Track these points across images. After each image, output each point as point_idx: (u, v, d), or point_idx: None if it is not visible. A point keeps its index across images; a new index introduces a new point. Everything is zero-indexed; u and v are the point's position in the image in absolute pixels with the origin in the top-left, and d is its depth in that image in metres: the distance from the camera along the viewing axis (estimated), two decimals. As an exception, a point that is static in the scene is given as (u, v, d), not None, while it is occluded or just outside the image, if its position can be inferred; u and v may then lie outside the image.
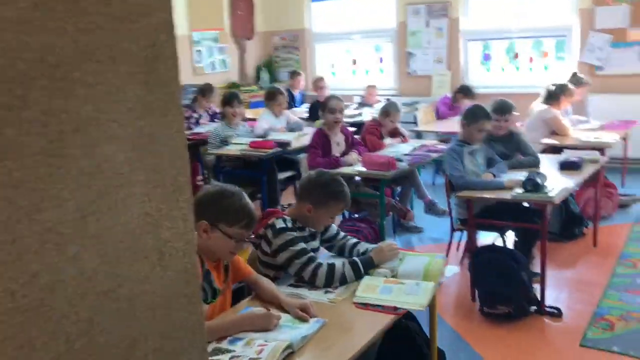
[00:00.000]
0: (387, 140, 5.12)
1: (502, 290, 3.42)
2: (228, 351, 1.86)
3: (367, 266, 2.42)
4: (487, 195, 3.68)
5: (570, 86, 5.55)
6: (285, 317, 2.07)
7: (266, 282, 2.29)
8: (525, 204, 3.81)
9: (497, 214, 3.77)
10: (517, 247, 3.91)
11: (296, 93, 7.96)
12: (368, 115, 6.59)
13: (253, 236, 2.44)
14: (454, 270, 2.46)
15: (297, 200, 2.63)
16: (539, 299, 3.53)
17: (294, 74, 8.04)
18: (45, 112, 0.94)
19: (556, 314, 3.48)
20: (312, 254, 2.44)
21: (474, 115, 3.98)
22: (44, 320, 0.96)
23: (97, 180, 1.01)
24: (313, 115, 6.68)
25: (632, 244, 4.52)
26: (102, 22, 0.98)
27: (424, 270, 2.33)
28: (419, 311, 2.22)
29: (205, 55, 8.28)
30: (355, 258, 2.45)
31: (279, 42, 9.14)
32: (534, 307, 3.52)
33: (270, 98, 5.93)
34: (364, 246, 2.67)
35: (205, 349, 1.28)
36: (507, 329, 3.39)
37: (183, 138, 1.19)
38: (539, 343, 3.24)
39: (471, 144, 3.99)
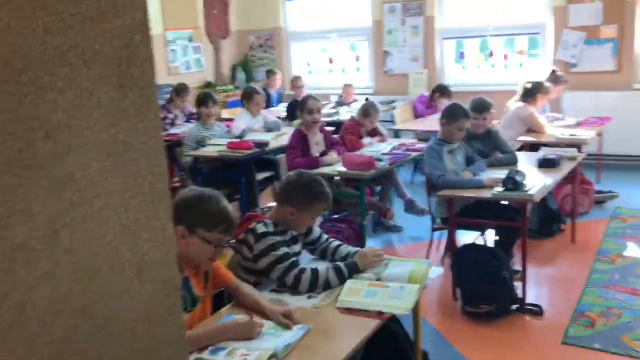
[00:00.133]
0: (366, 140, 5.09)
1: (484, 289, 3.41)
2: (210, 361, 1.81)
3: (351, 271, 2.38)
4: (468, 194, 3.67)
5: (547, 84, 5.59)
6: (268, 325, 2.01)
7: (247, 288, 2.23)
8: (505, 202, 3.81)
9: (478, 213, 3.76)
10: (498, 245, 3.91)
11: (273, 92, 7.89)
12: (345, 114, 6.57)
13: (233, 241, 2.38)
14: (438, 272, 2.42)
15: (278, 204, 2.58)
16: (520, 297, 3.53)
17: (270, 73, 7.98)
18: (12, 120, 0.88)
19: (537, 311, 3.49)
20: (294, 258, 2.39)
21: (453, 114, 3.97)
22: (15, 342, 0.90)
23: (70, 191, 0.95)
24: (291, 115, 6.63)
25: (609, 240, 4.56)
26: (72, 22, 0.92)
27: (408, 274, 2.30)
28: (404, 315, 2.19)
29: (180, 55, 8.17)
30: (340, 263, 2.41)
31: (255, 41, 9.06)
32: (515, 306, 3.52)
33: (247, 98, 5.86)
34: (346, 249, 2.63)
35: (187, 363, 1.23)
36: (489, 328, 3.38)
37: (160, 144, 1.13)
38: (521, 342, 3.24)
39: (451, 143, 3.98)
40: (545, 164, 4.10)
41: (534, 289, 3.86)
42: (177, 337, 1.22)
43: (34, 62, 0.89)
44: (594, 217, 5.13)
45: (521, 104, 5.42)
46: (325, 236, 2.72)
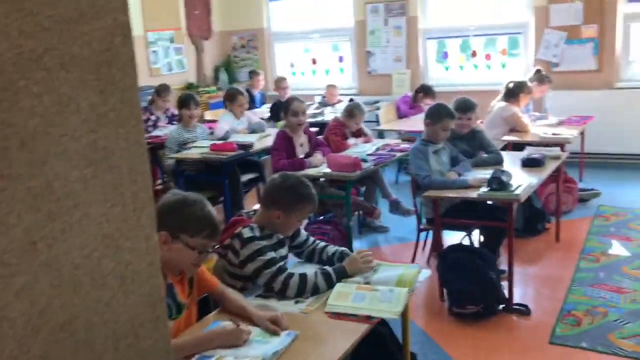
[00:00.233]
0: (351, 141, 5.07)
1: (471, 289, 3.40)
2: (196, 370, 1.77)
3: (339, 276, 2.35)
4: (453, 194, 3.66)
5: (530, 83, 5.61)
6: (255, 331, 1.97)
7: (234, 294, 2.19)
8: (491, 202, 3.81)
9: (464, 213, 3.76)
10: (484, 245, 3.91)
11: (256, 93, 7.84)
12: (329, 115, 6.54)
13: (218, 246, 2.34)
14: (426, 274, 2.40)
15: (264, 207, 2.54)
16: (507, 297, 3.53)
17: (253, 74, 7.93)
18: (-15, 128, 0.83)
19: (524, 311, 3.49)
20: (281, 263, 2.35)
21: (437, 115, 3.96)
22: (-10, 363, 0.86)
23: (48, 202, 0.91)
24: (275, 116, 6.59)
25: (593, 238, 4.59)
26: (49, 25, 0.87)
27: (397, 278, 2.27)
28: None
29: (162, 56, 8.08)
30: (328, 268, 2.37)
31: (237, 41, 9.00)
32: (502, 306, 3.52)
33: (230, 99, 5.81)
34: (332, 248, 2.61)
35: (173, 377, 1.19)
36: (476, 328, 3.37)
37: (143, 150, 1.09)
38: (508, 342, 3.23)
39: (436, 143, 3.97)
40: (530, 164, 4.11)
41: (520, 288, 3.86)
42: (163, 350, 1.18)
43: (8, 66, 0.84)
44: (578, 215, 5.16)
45: (504, 103, 5.44)
46: (312, 238, 2.69)
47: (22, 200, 0.88)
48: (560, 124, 5.67)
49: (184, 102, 5.23)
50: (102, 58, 0.96)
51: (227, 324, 1.98)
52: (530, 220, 4.76)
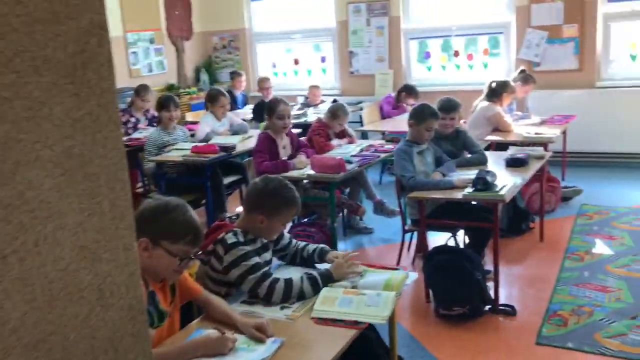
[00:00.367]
0: (335, 142, 5.04)
1: (457, 291, 3.39)
2: (179, 380, 1.72)
3: (326, 281, 2.31)
4: (438, 195, 3.65)
5: (513, 83, 5.63)
6: (240, 339, 1.93)
7: (218, 301, 2.14)
8: (475, 203, 3.80)
9: (449, 214, 3.74)
10: (470, 246, 3.91)
11: (238, 94, 7.77)
12: (312, 116, 6.51)
13: (201, 252, 2.28)
14: (413, 277, 2.38)
15: (246, 212, 2.49)
16: (493, 298, 3.52)
17: (234, 75, 7.85)
18: (-51, 135, 0.79)
19: (510, 312, 3.48)
20: (266, 268, 2.31)
21: (421, 115, 3.95)
22: (-41, 387, 0.81)
23: (20, 213, 0.86)
24: (258, 116, 6.54)
25: (577, 237, 4.61)
26: (18, 25, 0.82)
27: (384, 282, 2.24)
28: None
29: (142, 57, 7.98)
30: (314, 273, 2.33)
31: (218, 42, 8.93)
32: (488, 307, 3.51)
33: (212, 100, 5.74)
34: (312, 247, 2.61)
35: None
36: (463, 330, 3.36)
37: (122, 156, 1.04)
38: (495, 343, 3.22)
39: (420, 144, 3.95)
40: (514, 164, 4.11)
41: (506, 288, 3.86)
42: (144, 364, 1.13)
43: (-26, 70, 0.79)
44: (561, 214, 5.19)
45: (487, 103, 5.45)
46: (294, 241, 2.66)
47: (-8, 212, 0.83)
48: (542, 123, 5.69)
49: (164, 103, 5.14)
50: (77, 60, 0.91)
51: (211, 332, 1.93)
52: (514, 220, 4.77)
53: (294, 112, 6.67)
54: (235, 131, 5.72)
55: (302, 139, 5.05)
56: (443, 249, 3.75)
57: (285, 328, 2.03)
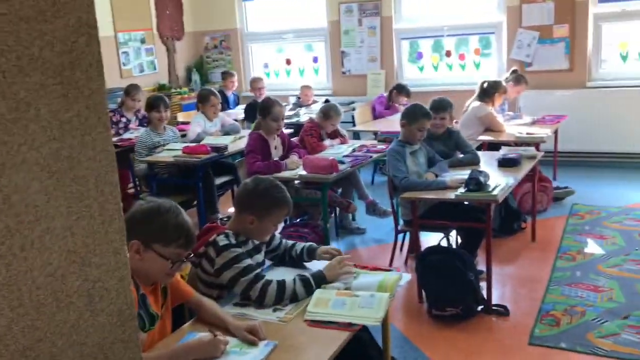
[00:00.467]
0: (327, 142, 5.02)
1: (450, 292, 3.38)
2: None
3: (319, 282, 2.29)
4: (431, 195, 3.64)
5: (504, 83, 5.64)
6: (232, 342, 1.91)
7: (210, 303, 2.11)
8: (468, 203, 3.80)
9: (442, 214, 3.74)
10: (462, 246, 3.90)
11: (229, 94, 7.73)
12: (304, 116, 6.49)
13: (192, 255, 2.26)
14: (407, 279, 2.36)
15: (237, 213, 2.47)
16: (486, 298, 3.52)
17: (226, 75, 7.81)
18: None
19: (503, 312, 3.48)
20: (258, 270, 2.29)
21: (413, 115, 3.94)
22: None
23: (6, 217, 0.84)
24: (250, 116, 6.51)
25: (569, 237, 4.62)
26: (3, 23, 0.80)
27: (378, 283, 2.23)
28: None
29: (133, 57, 7.93)
30: (307, 274, 2.32)
31: (210, 42, 8.89)
32: (480, 307, 3.51)
33: (203, 100, 5.71)
34: (299, 245, 2.60)
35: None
36: (456, 330, 3.35)
37: (111, 158, 1.02)
38: (488, 344, 3.22)
39: (412, 144, 3.95)
40: (506, 164, 4.11)
41: (498, 289, 3.86)
42: (134, 370, 1.11)
43: (-43, 70, 0.77)
44: (553, 214, 5.20)
45: (478, 103, 5.45)
46: (284, 241, 2.65)
47: (-24, 217, 0.81)
48: (533, 123, 5.71)
49: (153, 104, 5.09)
50: (64, 60, 0.89)
51: (203, 334, 1.91)
52: (506, 219, 4.77)
53: (286, 112, 6.65)
54: (226, 131, 5.69)
55: (294, 139, 5.03)
56: (436, 249, 3.74)
57: (278, 331, 2.01)
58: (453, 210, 3.76)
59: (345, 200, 4.91)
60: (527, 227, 4.77)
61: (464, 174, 3.65)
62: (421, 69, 7.78)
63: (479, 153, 4.40)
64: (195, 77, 8.66)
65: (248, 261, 2.27)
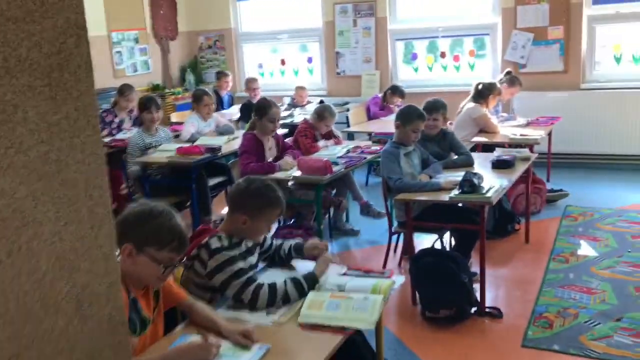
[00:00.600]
0: (321, 143, 5.01)
1: (444, 294, 3.38)
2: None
3: (310, 283, 2.29)
4: (425, 197, 3.63)
5: (499, 85, 5.64)
6: (225, 345, 1.89)
7: (202, 307, 2.10)
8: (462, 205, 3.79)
9: (436, 216, 3.73)
10: (456, 248, 3.90)
11: (224, 94, 7.71)
12: (299, 117, 6.48)
13: (185, 258, 2.24)
14: (400, 281, 2.36)
15: (230, 213, 2.46)
16: (479, 300, 3.51)
17: (220, 75, 7.78)
18: None
19: (496, 314, 3.48)
20: (251, 273, 2.27)
21: (407, 116, 3.93)
22: None
23: (-8, 222, 0.82)
24: (245, 117, 6.50)
25: (562, 239, 4.62)
26: (-11, 25, 0.78)
27: (372, 286, 2.22)
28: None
29: (126, 57, 7.89)
30: (298, 276, 2.31)
31: (204, 42, 8.86)
32: (474, 309, 3.50)
33: (196, 100, 5.69)
34: (287, 244, 2.61)
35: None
36: (449, 333, 3.34)
37: (101, 161, 1.00)
38: (482, 346, 3.21)
39: (406, 146, 3.94)
40: (500, 165, 4.11)
41: (492, 290, 3.85)
42: (124, 376, 1.09)
43: (-58, 72, 0.75)
44: (546, 216, 5.20)
45: (473, 104, 5.45)
46: (273, 241, 2.64)
47: (-39, 222, 0.79)
48: (527, 124, 5.71)
49: (145, 105, 5.05)
50: (53, 61, 0.87)
51: (195, 338, 1.89)
52: (499, 221, 4.77)
53: (281, 113, 6.63)
54: (220, 132, 5.67)
55: (289, 140, 5.02)
56: (430, 251, 3.74)
57: (271, 334, 2.00)
58: (447, 212, 3.75)
59: (336, 198, 4.89)
60: (521, 229, 4.77)
61: (458, 175, 3.65)
62: (416, 70, 7.78)
63: (473, 154, 4.39)
64: (190, 77, 8.63)
65: (240, 264, 2.25)
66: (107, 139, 5.63)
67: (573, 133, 6.63)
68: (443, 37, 7.48)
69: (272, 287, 2.20)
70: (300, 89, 7.45)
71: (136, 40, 8.03)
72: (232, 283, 2.19)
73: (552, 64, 6.86)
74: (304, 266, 2.50)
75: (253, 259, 2.47)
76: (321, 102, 6.22)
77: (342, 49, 7.94)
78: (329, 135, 5.15)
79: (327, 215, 5.03)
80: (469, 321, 3.43)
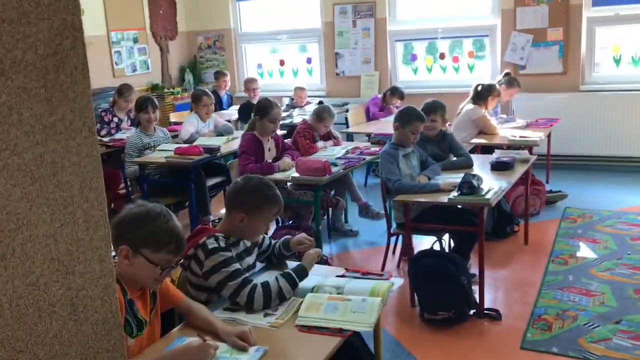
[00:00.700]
0: (320, 144, 5.00)
1: (443, 296, 3.37)
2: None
3: (300, 275, 2.31)
4: (424, 198, 3.63)
5: (498, 86, 5.64)
6: (222, 347, 1.88)
7: (199, 308, 2.09)
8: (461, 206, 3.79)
9: (435, 217, 3.72)
10: (455, 250, 3.89)
11: (222, 94, 7.70)
12: (298, 117, 6.47)
13: (181, 261, 2.23)
14: (399, 284, 2.35)
15: (227, 212, 2.45)
16: (478, 302, 3.51)
17: (218, 74, 7.77)
18: None
19: (495, 316, 3.47)
20: (246, 274, 2.26)
21: (406, 118, 3.93)
22: None
23: (-14, 225, 0.81)
24: (244, 117, 6.49)
25: (562, 241, 4.61)
26: (-16, 26, 0.78)
27: (370, 289, 2.21)
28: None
29: (125, 56, 7.88)
30: (288, 270, 2.33)
31: (203, 42, 8.86)
32: (472, 311, 3.50)
33: (195, 100, 5.68)
34: (277, 242, 2.62)
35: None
36: (448, 334, 3.34)
37: (96, 163, 1.00)
38: (480, 348, 3.20)
39: (405, 147, 3.93)
40: (499, 167, 4.10)
41: (491, 292, 3.85)
42: (120, 380, 1.08)
43: None
44: (545, 217, 5.20)
45: (472, 106, 5.45)
46: (272, 241, 2.64)
47: (-46, 225, 0.78)
48: (527, 126, 5.71)
49: (142, 105, 5.04)
50: (48, 63, 0.87)
51: (193, 339, 1.89)
52: (498, 223, 4.76)
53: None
54: (219, 132, 5.67)
55: (287, 140, 5.01)
56: (428, 252, 3.73)
57: (269, 336, 1.99)
58: (446, 213, 3.75)
59: (333, 198, 4.88)
60: (520, 231, 4.76)
61: (457, 177, 3.64)
62: (415, 71, 7.77)
63: (473, 156, 4.39)
64: (189, 77, 8.62)
65: (236, 265, 2.25)
66: (105, 139, 5.63)
67: (572, 135, 6.64)
68: (442, 38, 7.47)
69: (265, 286, 2.20)
70: (299, 89, 7.44)
71: (135, 40, 8.02)
72: (228, 284, 2.19)
73: (552, 66, 6.86)
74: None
75: (250, 259, 2.47)
76: (320, 102, 6.20)
77: (341, 49, 7.94)
78: (328, 136, 5.15)
79: (325, 216, 5.03)
80: (467, 323, 3.43)
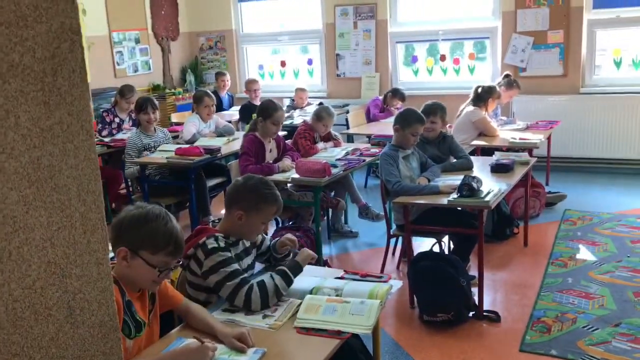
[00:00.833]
0: (320, 145, 5.00)
1: (442, 297, 3.37)
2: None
3: (294, 270, 2.33)
4: (423, 200, 3.63)
5: (498, 88, 5.64)
6: (221, 349, 1.88)
7: (198, 310, 2.09)
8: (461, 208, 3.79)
9: (434, 219, 3.72)
10: (455, 252, 3.89)
11: (223, 95, 7.70)
12: (299, 118, 6.47)
13: (180, 263, 2.23)
14: (397, 286, 2.35)
15: (227, 210, 2.46)
16: (477, 304, 3.51)
17: (218, 75, 7.76)
18: None
19: (494, 318, 3.47)
20: (245, 275, 2.27)
21: (406, 120, 3.93)
22: None
23: (-18, 228, 0.81)
24: (245, 118, 6.49)
25: (561, 243, 4.61)
26: (-19, 30, 0.78)
27: (369, 291, 2.21)
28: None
29: (127, 57, 7.89)
30: (282, 266, 2.34)
31: (205, 42, 8.86)
32: (472, 312, 3.49)
33: (197, 101, 5.69)
34: (272, 243, 2.64)
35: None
36: (447, 336, 3.34)
37: (94, 167, 1.00)
38: (479, 350, 3.20)
39: (405, 149, 3.93)
40: (499, 169, 4.11)
41: (490, 294, 3.85)
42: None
43: None
44: (545, 219, 5.20)
45: (472, 108, 5.45)
46: (271, 243, 2.65)
47: (-49, 228, 0.78)
48: (527, 128, 5.71)
49: (141, 106, 5.05)
50: (46, 66, 0.87)
51: (191, 341, 1.89)
52: (498, 225, 4.76)
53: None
54: (220, 133, 5.67)
55: (288, 142, 5.01)
56: (428, 254, 3.73)
57: (267, 338, 1.99)
58: (445, 215, 3.74)
59: (333, 198, 4.87)
60: (520, 233, 4.76)
61: (456, 179, 3.64)
62: (416, 72, 7.77)
63: (472, 158, 4.39)
64: (190, 77, 8.63)
65: (235, 266, 2.25)
66: (107, 139, 5.64)
67: (572, 137, 6.64)
68: (443, 40, 7.48)
69: (261, 285, 2.21)
70: (300, 90, 7.44)
71: (137, 41, 8.03)
72: (226, 284, 2.19)
73: (552, 68, 6.86)
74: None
75: (249, 259, 2.47)
76: (320, 104, 6.20)
77: (342, 51, 7.94)
78: (328, 137, 5.15)
79: (325, 217, 5.03)
80: (466, 325, 3.43)
